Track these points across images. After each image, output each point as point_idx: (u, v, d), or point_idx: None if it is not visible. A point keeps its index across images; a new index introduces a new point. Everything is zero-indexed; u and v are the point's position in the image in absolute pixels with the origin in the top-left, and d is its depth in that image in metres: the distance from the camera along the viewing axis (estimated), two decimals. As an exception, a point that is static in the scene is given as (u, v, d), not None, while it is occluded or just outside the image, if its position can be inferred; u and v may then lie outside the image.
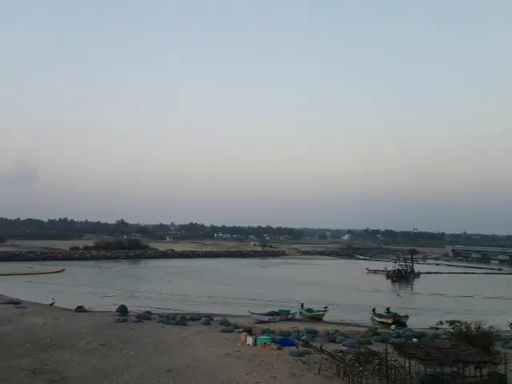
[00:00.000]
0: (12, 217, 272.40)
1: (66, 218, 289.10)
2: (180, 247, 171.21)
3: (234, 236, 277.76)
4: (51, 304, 52.93)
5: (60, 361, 27.26)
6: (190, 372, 25.66)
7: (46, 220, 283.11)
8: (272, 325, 43.97)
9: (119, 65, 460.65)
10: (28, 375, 24.36)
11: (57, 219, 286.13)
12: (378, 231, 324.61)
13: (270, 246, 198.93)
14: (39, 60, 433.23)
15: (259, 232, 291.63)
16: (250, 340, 33.08)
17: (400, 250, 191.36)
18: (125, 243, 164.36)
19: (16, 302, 52.10)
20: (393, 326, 46.83)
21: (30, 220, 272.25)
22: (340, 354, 27.22)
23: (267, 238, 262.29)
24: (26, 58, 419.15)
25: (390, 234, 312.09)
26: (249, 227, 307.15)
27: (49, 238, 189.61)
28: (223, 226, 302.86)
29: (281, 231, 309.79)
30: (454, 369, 23.20)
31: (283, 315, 49.91)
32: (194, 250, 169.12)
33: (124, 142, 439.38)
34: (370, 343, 35.14)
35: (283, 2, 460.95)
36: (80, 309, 49.20)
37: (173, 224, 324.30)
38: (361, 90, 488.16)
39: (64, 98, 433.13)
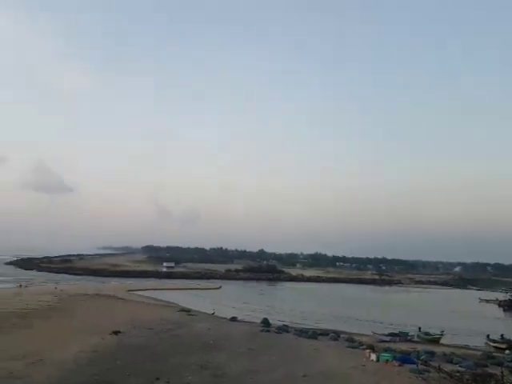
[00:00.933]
0: (184, 246, 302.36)
1: (221, 247, 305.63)
2: (308, 273, 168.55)
3: (353, 265, 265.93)
4: (212, 313, 55.03)
5: (220, 360, 27.93)
6: (322, 378, 24.62)
7: (208, 248, 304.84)
8: (392, 344, 40.63)
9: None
10: (197, 369, 25.27)
11: (215, 247, 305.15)
12: (488, 264, 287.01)
13: (387, 276, 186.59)
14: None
15: (375, 262, 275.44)
16: (373, 356, 30.79)
17: (511, 281, 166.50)
18: (264, 268, 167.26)
19: (187, 310, 54.31)
20: (507, 351, 40.60)
21: (196, 248, 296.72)
22: (457, 374, 24.10)
23: (383, 268, 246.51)
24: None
25: (499, 267, 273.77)
26: (366, 258, 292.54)
27: (209, 262, 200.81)
28: (343, 257, 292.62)
29: (395, 262, 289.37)
30: None
31: (402, 337, 45.97)
32: (319, 275, 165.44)
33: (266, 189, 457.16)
34: (486, 366, 30.68)
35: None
36: (234, 319, 50.43)
37: (301, 253, 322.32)
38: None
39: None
